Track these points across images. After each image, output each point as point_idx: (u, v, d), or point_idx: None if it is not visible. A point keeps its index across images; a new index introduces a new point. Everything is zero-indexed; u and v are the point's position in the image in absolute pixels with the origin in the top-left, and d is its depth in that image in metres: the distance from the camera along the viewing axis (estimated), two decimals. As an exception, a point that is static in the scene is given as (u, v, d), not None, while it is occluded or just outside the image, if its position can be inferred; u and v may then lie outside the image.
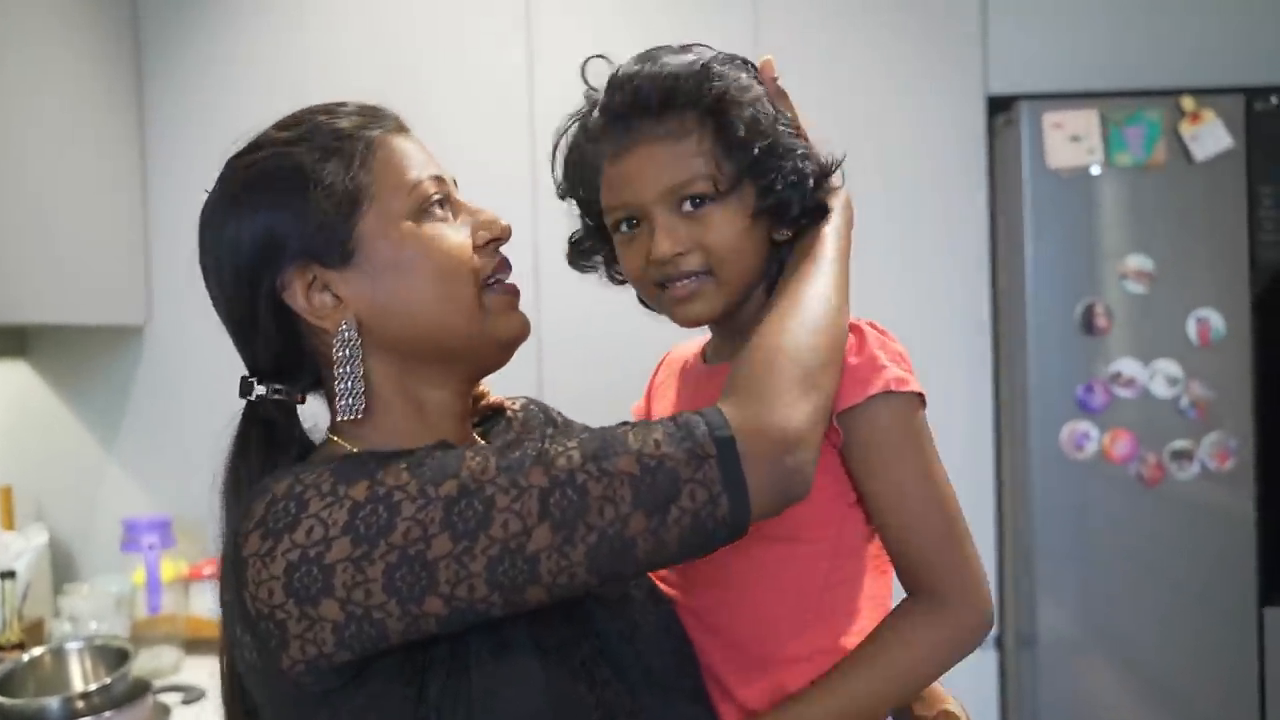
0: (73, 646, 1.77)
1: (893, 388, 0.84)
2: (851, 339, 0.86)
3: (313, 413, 0.91)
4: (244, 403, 0.87)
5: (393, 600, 0.70)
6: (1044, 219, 2.31)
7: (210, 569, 2.30)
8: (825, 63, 2.40)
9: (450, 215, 0.86)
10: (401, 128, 0.88)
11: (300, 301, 0.83)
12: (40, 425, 2.42)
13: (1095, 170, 2.29)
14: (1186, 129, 2.27)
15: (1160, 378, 2.29)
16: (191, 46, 2.41)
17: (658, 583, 0.94)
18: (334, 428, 0.87)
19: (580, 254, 0.98)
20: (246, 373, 0.88)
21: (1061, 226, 2.31)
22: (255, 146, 0.85)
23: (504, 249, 0.89)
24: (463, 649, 0.76)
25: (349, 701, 0.74)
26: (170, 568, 2.25)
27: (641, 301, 0.99)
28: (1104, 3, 2.44)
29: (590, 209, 0.94)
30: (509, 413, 1.04)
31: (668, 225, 0.86)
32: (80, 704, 1.60)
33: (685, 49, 0.89)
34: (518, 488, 0.71)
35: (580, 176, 0.91)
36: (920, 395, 0.86)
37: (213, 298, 0.87)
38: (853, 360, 0.85)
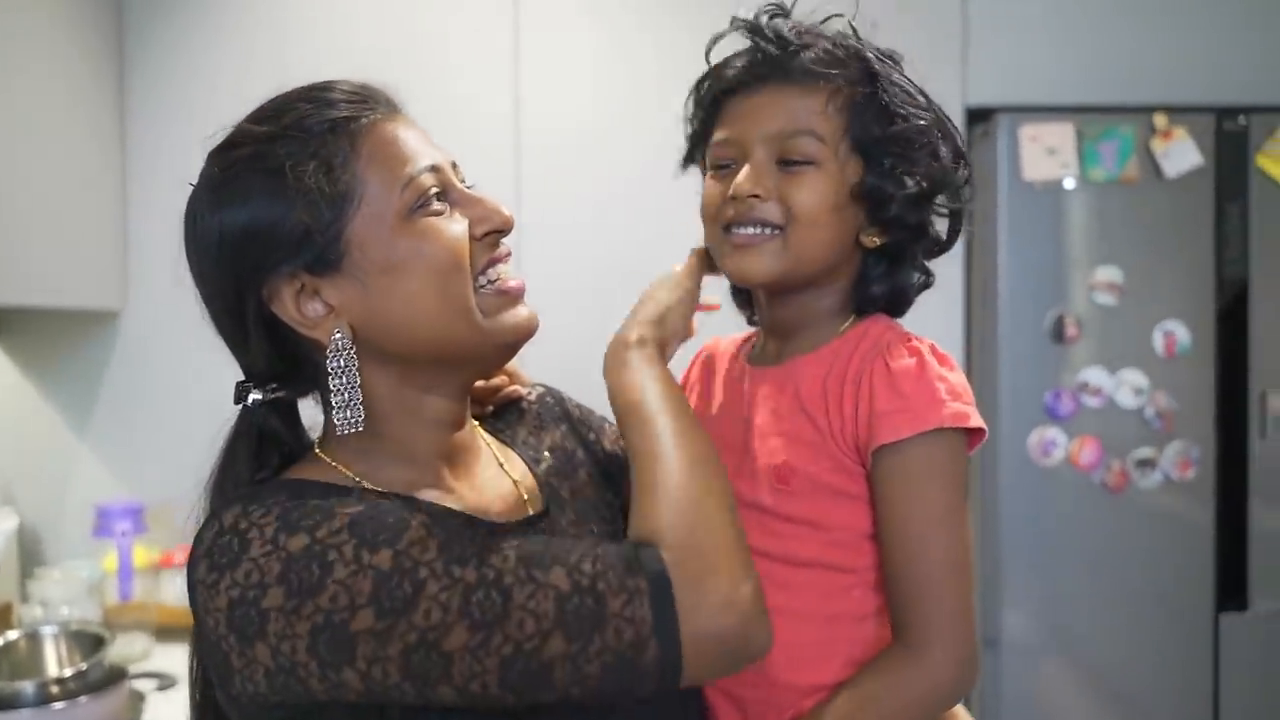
0: (48, 631, 1.76)
1: (948, 424, 0.80)
2: (911, 363, 0.82)
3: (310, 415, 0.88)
4: (239, 408, 0.82)
5: (314, 662, 0.67)
6: (1018, 229, 2.36)
7: (182, 556, 2.29)
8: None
9: (448, 207, 0.79)
10: (394, 110, 0.81)
11: (290, 311, 0.78)
12: (11, 408, 2.39)
13: (1069, 183, 2.34)
14: (1158, 145, 2.33)
15: (1126, 387, 2.35)
16: (174, 29, 2.39)
17: None
18: (322, 441, 0.83)
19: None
20: (242, 377, 0.83)
21: (1034, 237, 2.36)
22: (233, 142, 0.79)
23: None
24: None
25: None
26: (142, 554, 2.24)
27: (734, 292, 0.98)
28: (1083, 20, 2.49)
29: (700, 147, 0.92)
30: (524, 404, 1.00)
31: (759, 165, 0.84)
32: (55, 689, 1.59)
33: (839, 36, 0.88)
34: (450, 577, 0.68)
35: (702, 105, 0.90)
36: (979, 430, 0.83)
37: (201, 298, 0.82)
38: (907, 388, 0.81)
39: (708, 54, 0.91)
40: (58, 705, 1.56)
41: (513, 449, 0.94)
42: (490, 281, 0.81)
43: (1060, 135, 2.33)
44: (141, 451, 2.41)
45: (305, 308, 0.78)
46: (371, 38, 2.39)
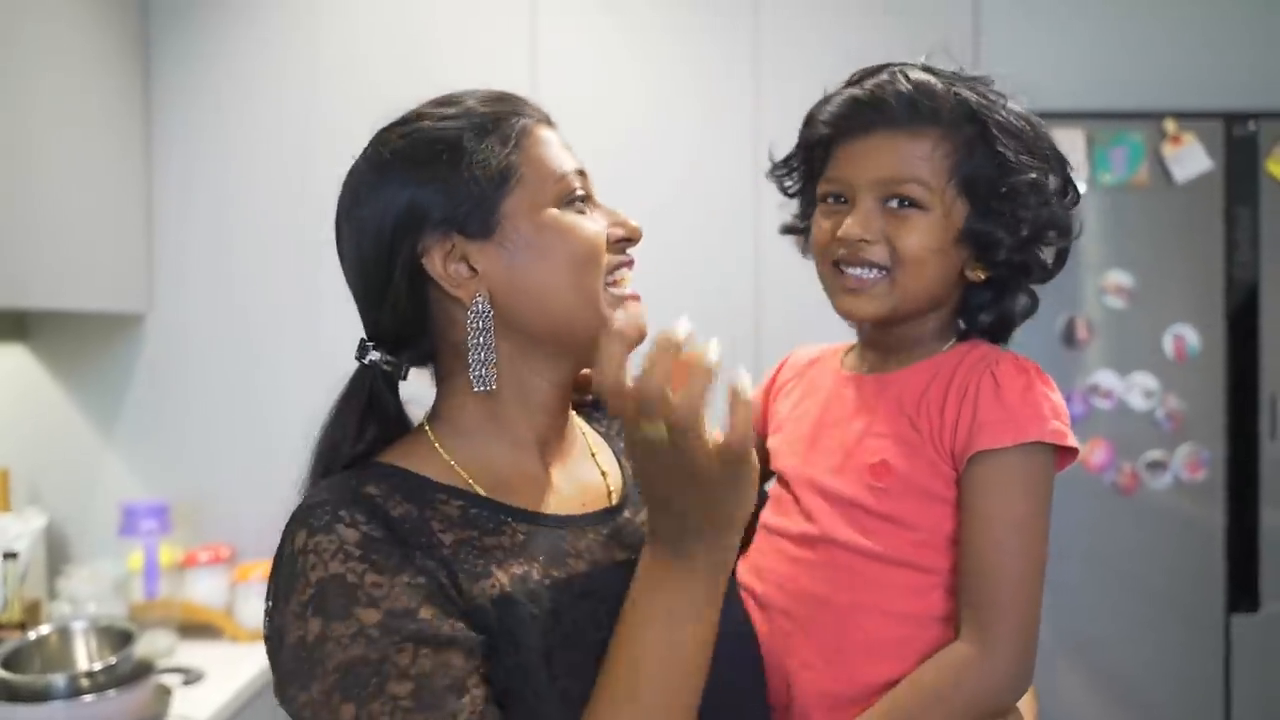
0: (78, 626, 1.80)
1: (1047, 439, 0.83)
2: (1018, 378, 0.85)
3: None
4: (356, 366, 0.88)
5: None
6: (1029, 234, 2.38)
7: (206, 555, 2.33)
8: (820, 77, 2.47)
9: (588, 210, 0.88)
10: (549, 121, 0.90)
11: (438, 268, 0.84)
12: (38, 409, 2.44)
13: (1080, 188, 2.36)
14: (1168, 151, 2.35)
15: (1137, 390, 2.37)
16: (201, 33, 2.44)
17: (759, 586, 0.94)
18: (430, 417, 0.89)
19: (793, 224, 1.01)
20: (365, 336, 0.89)
21: (1046, 241, 2.38)
22: (411, 118, 0.87)
23: None
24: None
25: None
26: (167, 553, 2.28)
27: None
28: (1092, 27, 2.52)
29: (805, 173, 0.97)
30: None
31: (866, 210, 0.89)
32: (85, 681, 1.63)
33: (976, 81, 0.92)
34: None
35: (815, 144, 0.94)
36: (1070, 453, 0.86)
37: (344, 259, 0.88)
38: (1012, 401, 0.84)
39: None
40: (87, 698, 1.61)
41: (606, 441, 0.98)
42: (615, 284, 0.88)
43: (1071, 141, 2.35)
44: (167, 452, 2.46)
45: (450, 268, 0.84)
46: (400, 39, 2.44)
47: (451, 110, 0.86)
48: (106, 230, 2.27)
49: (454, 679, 0.73)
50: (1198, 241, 2.38)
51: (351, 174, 0.88)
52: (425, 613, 0.74)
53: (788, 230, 1.02)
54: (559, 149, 0.88)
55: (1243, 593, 2.39)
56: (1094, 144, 2.35)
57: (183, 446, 2.45)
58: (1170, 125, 2.35)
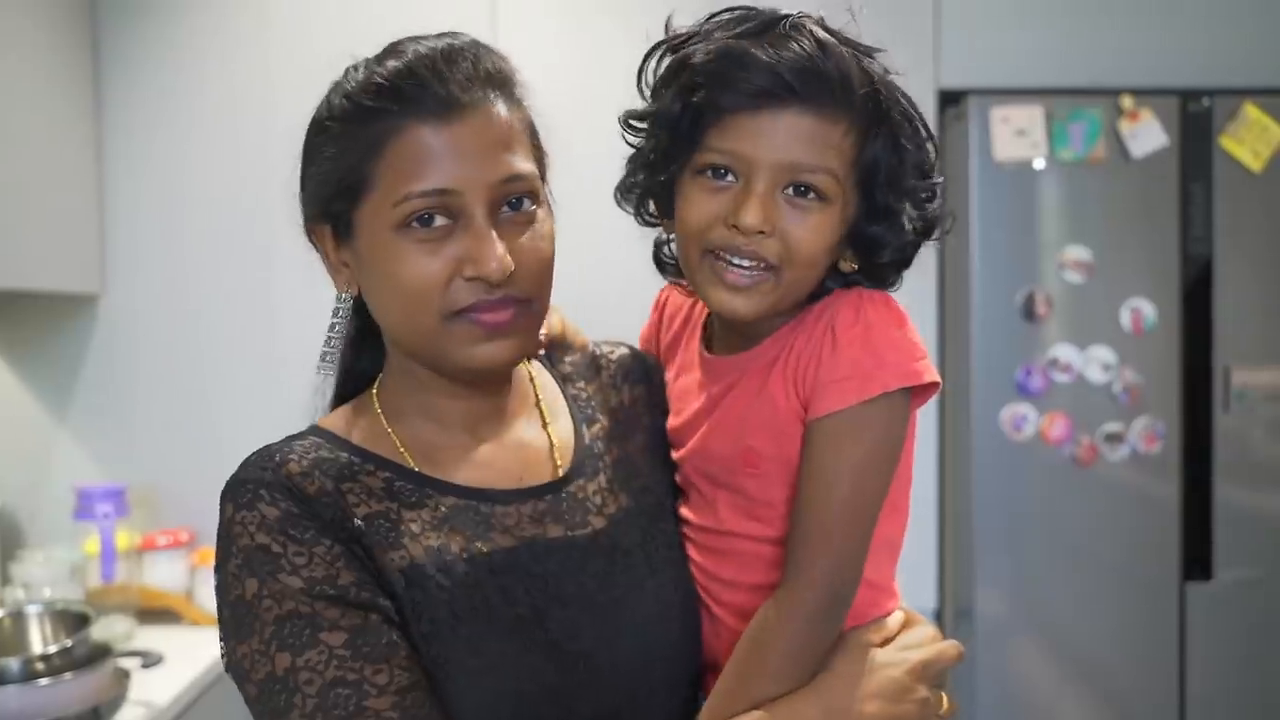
0: (32, 609, 1.77)
1: (891, 387, 0.77)
2: (855, 329, 0.78)
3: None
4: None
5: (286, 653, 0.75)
6: (989, 209, 2.40)
7: (164, 539, 2.30)
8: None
9: (443, 235, 0.78)
10: (447, 110, 0.77)
11: (326, 247, 0.85)
12: (-12, 393, 2.39)
13: (1039, 164, 2.38)
14: (1125, 127, 2.37)
15: (1095, 364, 2.40)
16: (152, 12, 2.38)
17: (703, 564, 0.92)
18: (380, 380, 0.89)
19: (633, 179, 0.88)
20: None
21: (1006, 217, 2.40)
22: (337, 88, 0.82)
23: None
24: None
25: None
26: (124, 537, 2.24)
27: (657, 261, 0.92)
28: (1052, 4, 2.53)
29: (677, 132, 0.81)
30: (602, 360, 0.99)
31: (766, 197, 0.78)
32: (40, 665, 1.60)
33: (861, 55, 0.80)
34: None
35: (691, 97, 0.79)
36: (931, 385, 0.79)
37: None
38: (852, 354, 0.78)
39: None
40: (42, 681, 1.58)
41: (574, 407, 0.94)
42: (460, 317, 0.80)
43: (1030, 117, 2.37)
44: (122, 435, 2.41)
45: (335, 254, 0.85)
46: (353, 21, 2.40)
47: (347, 84, 0.80)
48: (58, 210, 2.22)
49: (382, 633, 0.76)
50: (1154, 216, 2.41)
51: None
52: (345, 578, 0.77)
53: (625, 190, 0.89)
54: (424, 160, 0.76)
55: (1197, 562, 2.43)
56: (1052, 120, 2.37)
57: (139, 429, 2.41)
58: (1127, 101, 2.37)
